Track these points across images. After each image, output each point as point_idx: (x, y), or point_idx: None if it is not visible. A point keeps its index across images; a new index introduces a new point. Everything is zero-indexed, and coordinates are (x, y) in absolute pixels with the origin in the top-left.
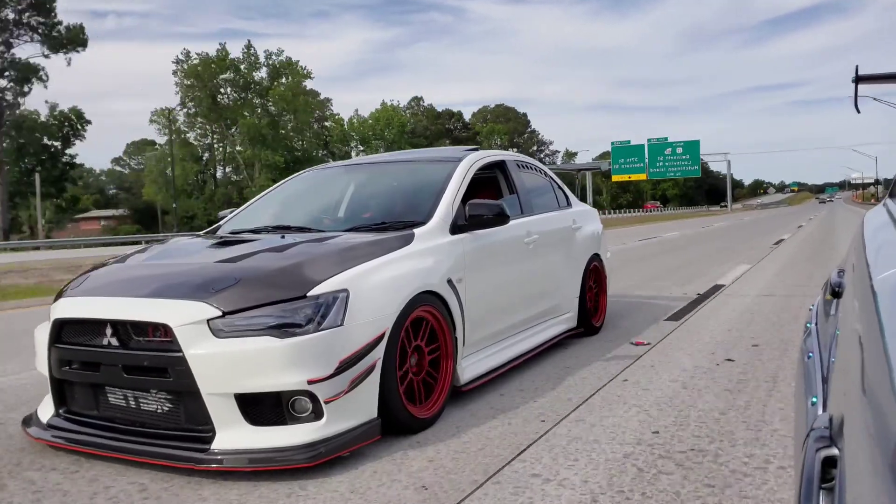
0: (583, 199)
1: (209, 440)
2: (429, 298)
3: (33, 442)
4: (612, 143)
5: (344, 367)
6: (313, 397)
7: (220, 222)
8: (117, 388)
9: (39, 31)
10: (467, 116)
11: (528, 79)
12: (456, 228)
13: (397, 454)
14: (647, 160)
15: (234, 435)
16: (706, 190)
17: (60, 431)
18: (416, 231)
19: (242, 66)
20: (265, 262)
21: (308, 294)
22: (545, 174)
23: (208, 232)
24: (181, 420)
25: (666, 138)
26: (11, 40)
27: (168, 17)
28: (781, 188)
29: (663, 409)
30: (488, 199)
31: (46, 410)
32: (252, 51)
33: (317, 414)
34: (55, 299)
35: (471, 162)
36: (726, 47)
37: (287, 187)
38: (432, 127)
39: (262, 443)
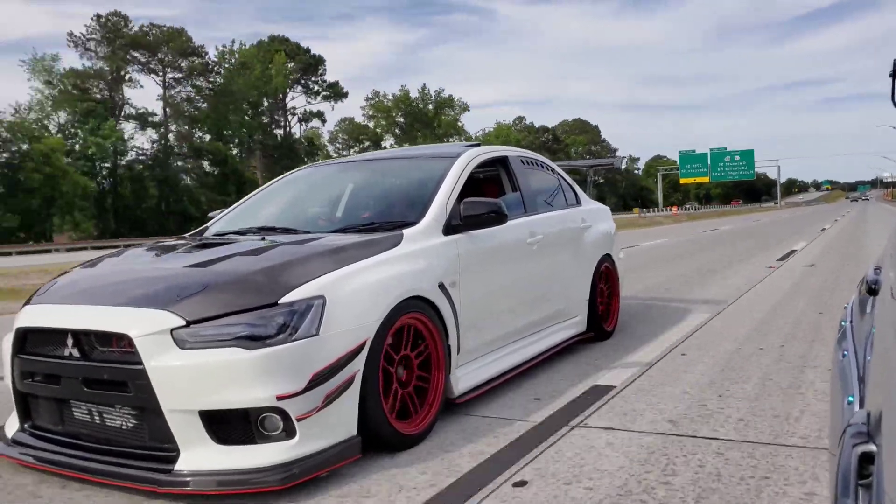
0: (630, 197)
1: (173, 460)
2: (417, 304)
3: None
4: (680, 152)
5: (317, 380)
6: (284, 414)
7: (208, 224)
8: (81, 403)
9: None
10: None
11: (552, 78)
12: (450, 229)
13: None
14: (709, 165)
15: (199, 455)
16: (744, 189)
17: (26, 448)
18: (406, 232)
19: (416, 102)
20: (236, 267)
21: (280, 301)
22: (552, 171)
23: (194, 234)
24: (145, 437)
25: (725, 148)
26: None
27: (195, 21)
28: (817, 186)
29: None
30: (485, 198)
31: (13, 425)
32: (427, 90)
33: (288, 432)
34: (22, 306)
35: (469, 158)
36: (755, 43)
37: (279, 186)
38: (535, 142)
39: (230, 463)
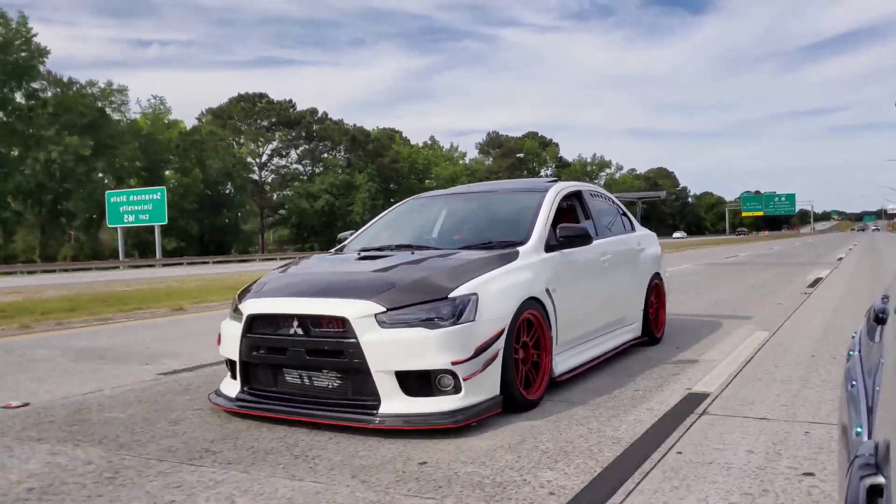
0: (680, 222)
1: (376, 407)
2: (533, 304)
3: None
4: (742, 193)
5: (479, 352)
6: (455, 375)
7: (345, 242)
8: (294, 369)
9: None
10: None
11: (563, 105)
12: (549, 247)
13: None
14: (763, 203)
15: (393, 403)
16: (766, 220)
17: (247, 402)
18: (520, 249)
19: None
20: (411, 272)
21: (449, 296)
22: (612, 202)
23: (337, 250)
24: (348, 393)
25: (774, 192)
26: None
27: (211, 45)
28: (827, 217)
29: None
30: (575, 224)
31: (228, 387)
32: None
33: (456, 388)
34: (239, 300)
35: (556, 191)
36: (764, 72)
37: (397, 213)
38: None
39: (415, 409)
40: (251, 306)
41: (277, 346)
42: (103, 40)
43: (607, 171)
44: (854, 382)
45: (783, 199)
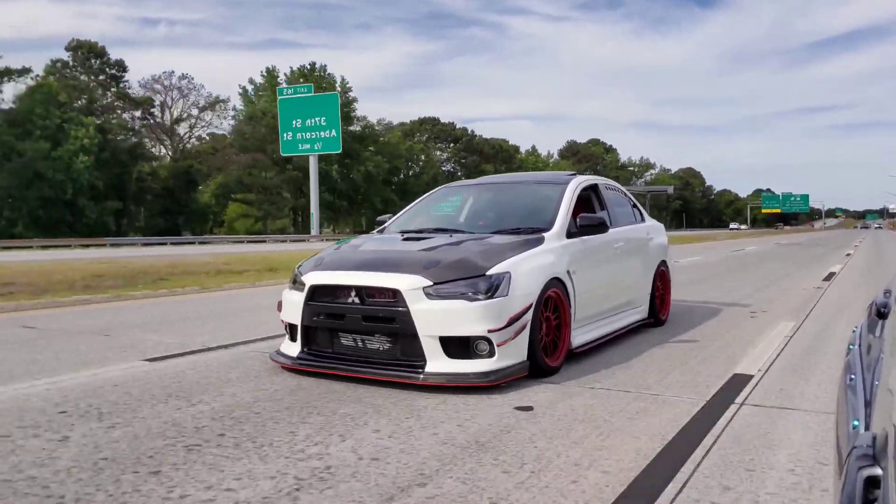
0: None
1: (422, 367)
2: (556, 283)
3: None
4: (763, 194)
5: (511, 322)
6: (490, 342)
7: (385, 224)
8: (349, 333)
9: None
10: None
11: (567, 95)
12: (570, 234)
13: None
14: (781, 202)
15: (437, 363)
16: (777, 215)
17: (308, 361)
18: (545, 234)
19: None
20: (452, 253)
21: (486, 273)
22: (625, 194)
23: (379, 231)
24: (397, 354)
25: (791, 192)
26: None
27: (218, 26)
28: (832, 214)
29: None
30: (593, 213)
31: (289, 348)
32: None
33: (491, 353)
34: (299, 273)
35: (577, 183)
36: (769, 68)
37: (430, 199)
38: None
39: (455, 369)
40: (313, 278)
41: (336, 312)
42: (111, 18)
43: (651, 171)
44: (853, 376)
45: (798, 198)
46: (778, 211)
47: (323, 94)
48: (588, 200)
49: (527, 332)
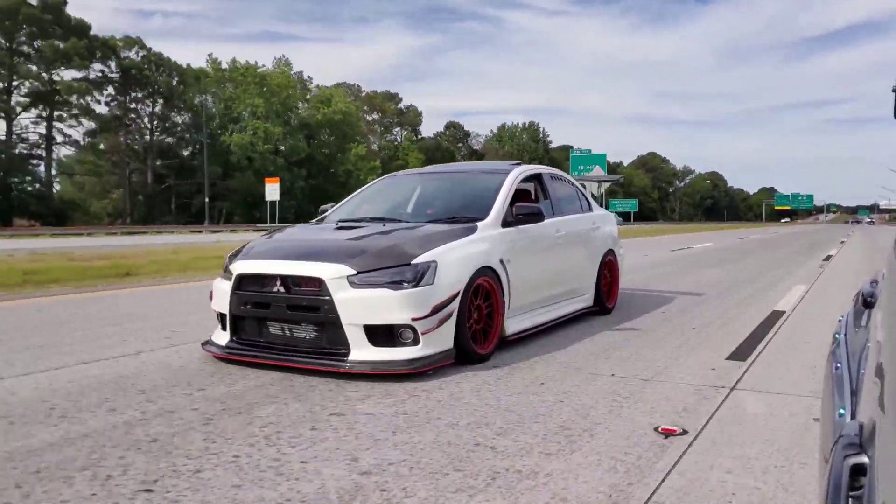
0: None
1: (345, 355)
2: (487, 272)
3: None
4: (776, 194)
5: (435, 311)
6: (414, 330)
7: (326, 213)
8: (276, 322)
9: None
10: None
11: (565, 88)
12: (506, 223)
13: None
14: (790, 200)
15: (361, 352)
16: (780, 211)
17: (236, 350)
18: (479, 224)
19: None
20: (380, 241)
21: (411, 262)
22: (572, 184)
23: (318, 220)
24: (322, 343)
25: (798, 192)
26: None
27: (215, 18)
28: (827, 210)
29: None
30: (530, 203)
31: (219, 337)
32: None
33: (415, 341)
34: (229, 262)
35: (517, 173)
36: (767, 63)
37: (374, 188)
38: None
39: (379, 357)
40: (240, 267)
41: (262, 301)
42: (108, 10)
43: (690, 175)
44: (839, 365)
45: (804, 197)
46: (788, 208)
47: None
48: (531, 190)
49: (453, 320)
